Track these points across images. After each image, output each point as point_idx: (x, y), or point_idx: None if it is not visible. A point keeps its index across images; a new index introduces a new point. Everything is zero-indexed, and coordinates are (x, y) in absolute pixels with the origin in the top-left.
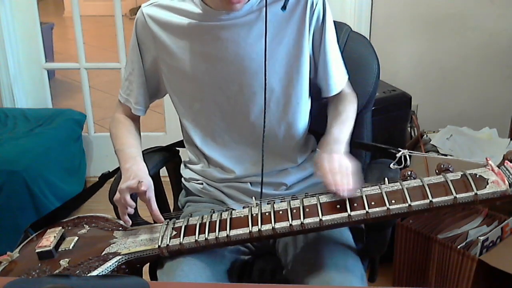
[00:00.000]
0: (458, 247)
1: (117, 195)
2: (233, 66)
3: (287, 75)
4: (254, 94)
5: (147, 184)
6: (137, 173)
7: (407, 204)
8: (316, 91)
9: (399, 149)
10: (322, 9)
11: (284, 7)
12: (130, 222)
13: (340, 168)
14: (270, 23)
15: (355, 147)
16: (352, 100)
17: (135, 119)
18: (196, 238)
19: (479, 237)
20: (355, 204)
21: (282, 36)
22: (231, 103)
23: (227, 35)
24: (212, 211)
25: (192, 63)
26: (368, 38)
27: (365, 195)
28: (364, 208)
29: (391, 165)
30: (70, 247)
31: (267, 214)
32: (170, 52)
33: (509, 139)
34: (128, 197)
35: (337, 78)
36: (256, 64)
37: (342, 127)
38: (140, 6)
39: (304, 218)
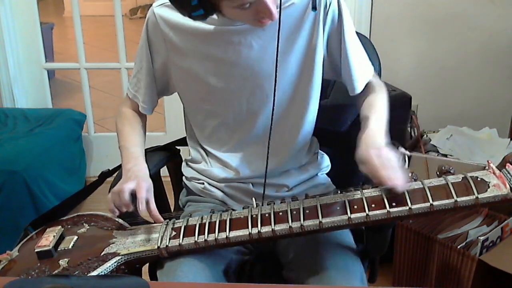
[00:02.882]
0: (458, 247)
1: (115, 196)
2: (245, 69)
3: (300, 76)
4: (267, 97)
5: (146, 186)
6: (138, 174)
7: (407, 207)
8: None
9: (401, 147)
10: (337, 9)
11: (314, 8)
12: (117, 212)
13: (390, 162)
14: (283, 26)
15: (355, 140)
16: (381, 89)
17: (142, 114)
18: (196, 239)
19: (479, 237)
20: (355, 207)
21: (294, 38)
22: (242, 106)
23: (239, 39)
24: (211, 211)
25: (203, 66)
26: (368, 38)
27: (365, 197)
28: (364, 211)
29: None
30: (70, 247)
31: (266, 215)
32: (180, 54)
33: (509, 139)
34: (128, 202)
35: (360, 76)
36: (269, 67)
37: (378, 118)
38: (140, 6)
39: (304, 220)
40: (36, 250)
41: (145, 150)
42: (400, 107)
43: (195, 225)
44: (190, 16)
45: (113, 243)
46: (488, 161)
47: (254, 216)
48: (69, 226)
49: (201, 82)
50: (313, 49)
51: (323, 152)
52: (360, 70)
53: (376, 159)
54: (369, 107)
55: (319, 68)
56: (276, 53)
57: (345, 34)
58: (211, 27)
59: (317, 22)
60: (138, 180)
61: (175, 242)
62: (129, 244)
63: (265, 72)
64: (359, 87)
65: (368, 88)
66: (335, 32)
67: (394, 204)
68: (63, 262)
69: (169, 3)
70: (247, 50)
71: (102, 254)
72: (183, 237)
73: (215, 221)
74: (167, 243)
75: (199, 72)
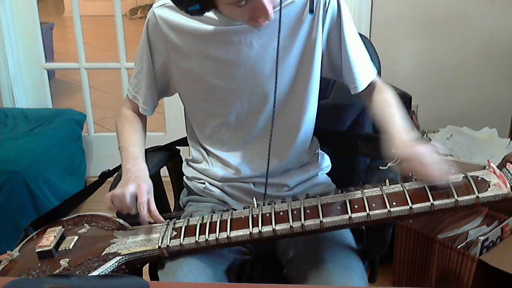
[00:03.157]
0: (458, 247)
1: (117, 202)
2: (245, 69)
3: (299, 75)
4: (267, 96)
5: (146, 187)
6: (137, 175)
7: (408, 207)
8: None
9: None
10: (337, 7)
11: (311, 11)
12: (116, 210)
13: (434, 157)
14: (282, 24)
15: (355, 139)
16: (388, 88)
17: (142, 115)
18: (196, 239)
19: (479, 237)
20: (356, 206)
21: (294, 36)
22: (243, 105)
23: (240, 38)
24: (212, 211)
25: (203, 66)
26: (368, 38)
27: (366, 197)
28: (365, 210)
29: (390, 164)
30: (70, 247)
31: (267, 215)
32: (181, 54)
33: (509, 139)
34: (130, 207)
35: (362, 74)
36: (269, 66)
37: (403, 116)
38: (140, 6)
39: (304, 219)
40: (37, 250)
41: (145, 150)
42: None
43: (196, 225)
44: (187, 11)
45: (114, 243)
46: (488, 160)
47: (255, 216)
48: (69, 227)
49: (202, 82)
50: (312, 48)
51: (323, 152)
52: (362, 68)
53: (431, 155)
54: (387, 107)
55: (317, 66)
56: (276, 52)
57: (345, 32)
58: (211, 27)
59: (317, 21)
60: (138, 181)
61: (176, 242)
62: (130, 244)
63: (266, 71)
64: (361, 85)
65: (376, 87)
66: (334, 31)
67: (394, 203)
68: (63, 262)
69: (169, 4)
70: (247, 50)
71: (103, 254)
72: (184, 237)
73: (216, 221)
74: (168, 243)
75: (200, 72)
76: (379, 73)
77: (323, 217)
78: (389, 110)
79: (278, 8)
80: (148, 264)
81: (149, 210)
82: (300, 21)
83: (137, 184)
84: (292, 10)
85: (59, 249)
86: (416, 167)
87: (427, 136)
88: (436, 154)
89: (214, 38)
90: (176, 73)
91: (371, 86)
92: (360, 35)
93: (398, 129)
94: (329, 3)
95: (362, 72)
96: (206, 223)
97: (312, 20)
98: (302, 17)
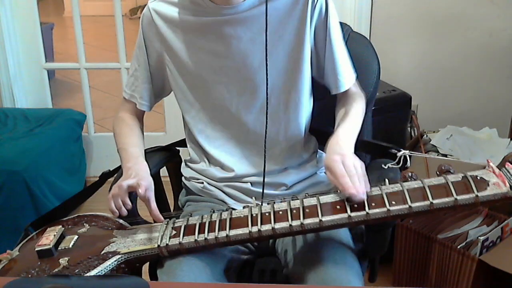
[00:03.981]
0: (458, 247)
1: (115, 190)
2: (236, 62)
3: (288, 70)
4: (256, 90)
5: (147, 184)
6: (138, 173)
7: (407, 206)
8: (318, 90)
9: (401, 149)
10: (325, 5)
11: None
12: (118, 213)
13: (354, 170)
14: (271, 18)
15: (357, 146)
16: (359, 99)
17: (139, 118)
18: (196, 237)
19: (479, 237)
20: (355, 205)
21: (282, 30)
22: (234, 100)
23: (230, 31)
24: (212, 211)
25: (196, 59)
26: (368, 38)
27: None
28: (364, 209)
29: (389, 164)
30: (70, 246)
31: (267, 214)
32: (174, 48)
33: (509, 139)
34: (127, 198)
35: (346, 74)
36: (258, 59)
37: (349, 127)
38: (140, 6)
39: (304, 218)
40: (36, 249)
41: (145, 150)
42: (400, 107)
43: (196, 224)
44: None
45: (113, 242)
46: (487, 160)
47: (254, 215)
48: (69, 226)
49: (194, 76)
50: (301, 42)
51: (322, 152)
52: (346, 68)
53: (338, 165)
54: (343, 115)
55: (307, 62)
56: (265, 44)
57: (331, 31)
58: (202, 19)
59: (305, 16)
60: (138, 178)
61: (175, 241)
62: (129, 243)
63: (255, 65)
64: (344, 85)
65: (347, 94)
66: (321, 28)
67: (394, 202)
68: (63, 261)
69: None
70: (236, 42)
71: (102, 253)
72: (183, 235)
73: (216, 220)
74: (167, 242)
75: (192, 65)
76: (379, 73)
77: (322, 216)
78: (342, 120)
79: (265, 1)
80: (148, 264)
81: (149, 208)
82: (289, 15)
83: (137, 181)
84: (281, 4)
85: (59, 248)
86: (329, 176)
87: (427, 136)
88: (359, 167)
89: (206, 30)
90: (170, 67)
91: (346, 95)
92: (360, 35)
93: (336, 138)
94: (317, 0)
95: (346, 72)
96: (205, 222)
97: (301, 15)
98: (291, 12)
